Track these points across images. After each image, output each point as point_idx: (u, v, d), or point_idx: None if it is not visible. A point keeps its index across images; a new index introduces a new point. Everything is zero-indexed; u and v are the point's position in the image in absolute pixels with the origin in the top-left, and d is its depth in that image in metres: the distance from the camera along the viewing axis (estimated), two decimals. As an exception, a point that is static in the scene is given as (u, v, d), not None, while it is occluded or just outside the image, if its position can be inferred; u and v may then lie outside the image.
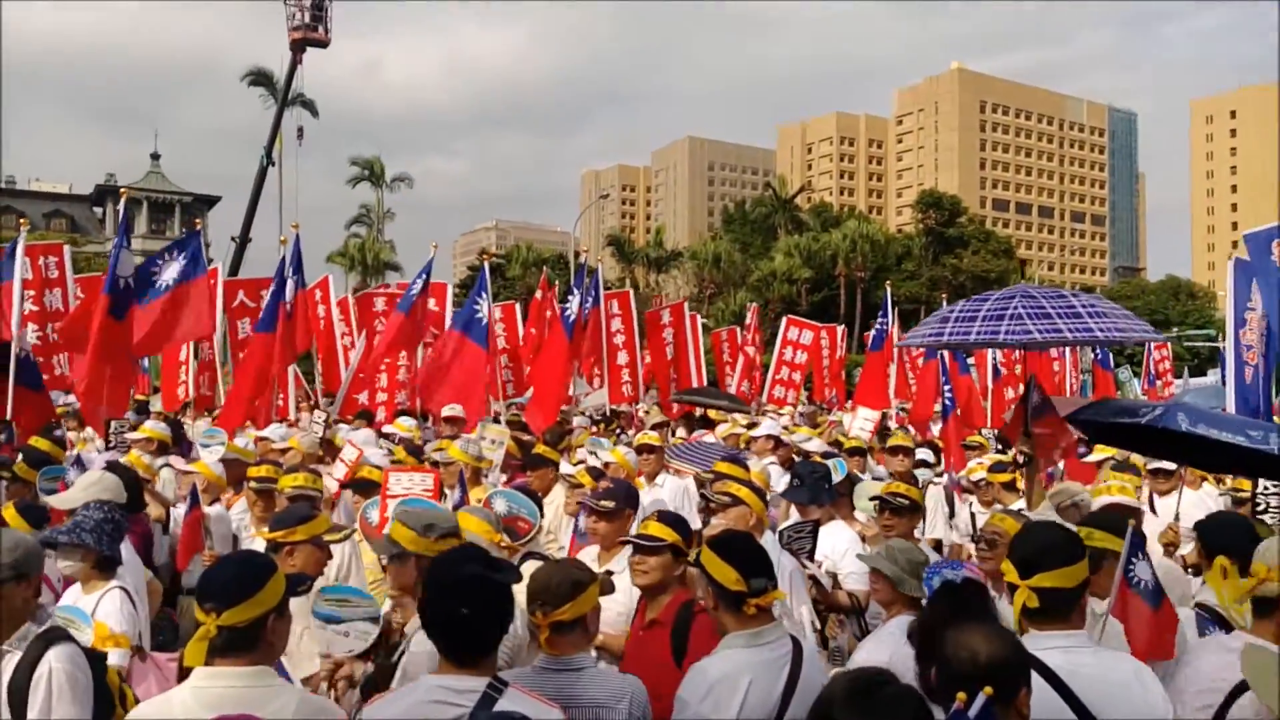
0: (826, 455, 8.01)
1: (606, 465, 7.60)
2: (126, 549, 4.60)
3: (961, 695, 2.16)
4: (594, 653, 3.80)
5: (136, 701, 3.31)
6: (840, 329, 22.34)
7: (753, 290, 66.77)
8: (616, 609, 4.64)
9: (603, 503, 4.99)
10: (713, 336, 19.68)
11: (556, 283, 16.56)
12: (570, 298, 12.12)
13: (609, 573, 4.65)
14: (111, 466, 6.74)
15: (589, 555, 4.99)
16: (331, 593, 4.20)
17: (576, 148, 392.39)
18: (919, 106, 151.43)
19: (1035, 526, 3.56)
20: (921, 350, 13.76)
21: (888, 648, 3.75)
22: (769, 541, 5.05)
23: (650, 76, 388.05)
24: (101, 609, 4.21)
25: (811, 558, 5.48)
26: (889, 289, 15.96)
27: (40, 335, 9.76)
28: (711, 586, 3.45)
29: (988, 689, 2.17)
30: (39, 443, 7.10)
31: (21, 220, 10.76)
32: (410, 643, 3.69)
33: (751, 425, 11.20)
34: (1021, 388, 6.39)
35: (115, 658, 4.03)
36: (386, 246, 64.62)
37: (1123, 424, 5.25)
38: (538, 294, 14.10)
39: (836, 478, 6.43)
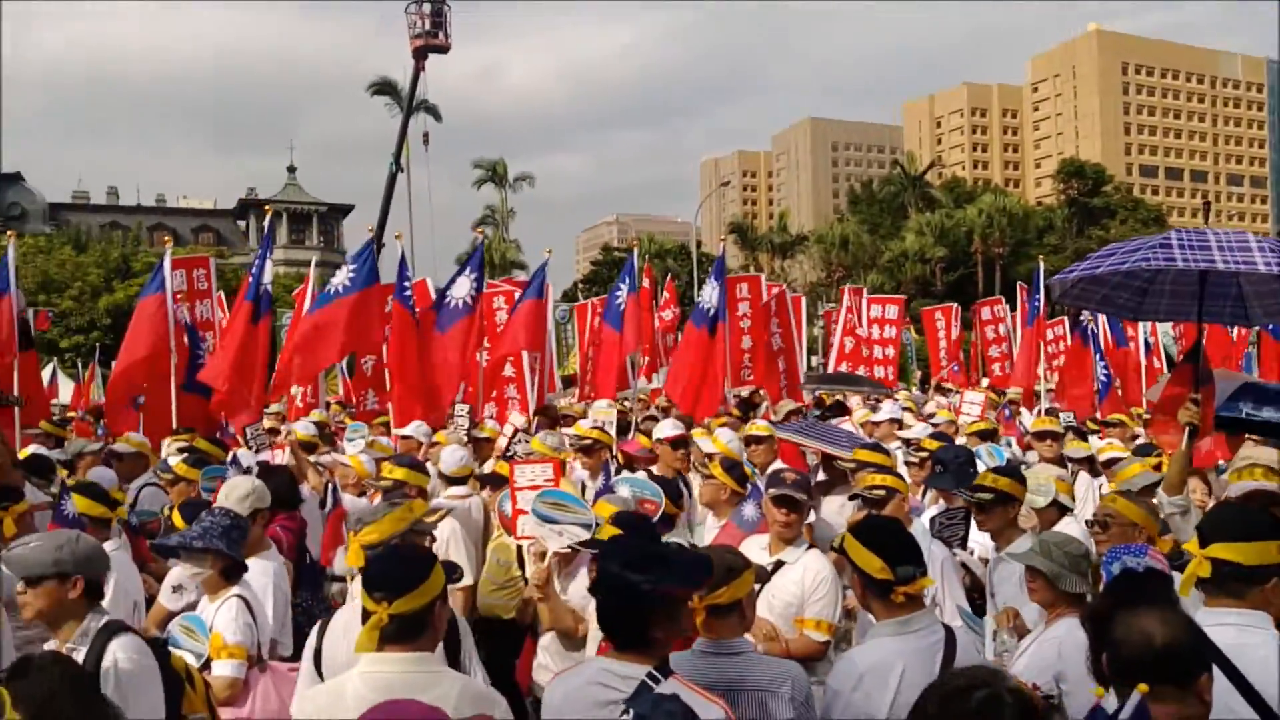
0: (936, 439, 7.70)
1: (711, 456, 7.50)
2: (260, 563, 4.77)
3: (1143, 687, 2.03)
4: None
5: (206, 684, 3.41)
6: (954, 308, 21.69)
7: (883, 272, 65.27)
8: (787, 597, 4.59)
9: (799, 494, 4.82)
10: (824, 316, 19.24)
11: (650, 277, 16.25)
12: (704, 290, 11.97)
13: (780, 563, 4.57)
14: (264, 466, 7.03)
15: (757, 544, 4.90)
16: (549, 496, 4.69)
17: (694, 137, 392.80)
18: (1055, 72, 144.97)
19: (1230, 503, 3.34)
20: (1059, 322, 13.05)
21: (1052, 651, 3.57)
22: (917, 529, 4.88)
23: (767, 61, 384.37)
24: (219, 618, 4.28)
25: (964, 545, 5.26)
26: (1041, 263, 15.02)
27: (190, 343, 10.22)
28: (857, 574, 3.37)
29: (1142, 686, 2.05)
30: (200, 444, 7.47)
31: (166, 239, 11.32)
32: None
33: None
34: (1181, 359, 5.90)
35: (229, 669, 4.15)
36: (512, 245, 65.91)
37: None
38: (644, 283, 13.90)
39: (991, 463, 6.17)
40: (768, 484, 5.02)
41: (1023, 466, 6.53)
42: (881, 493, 5.22)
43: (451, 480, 6.93)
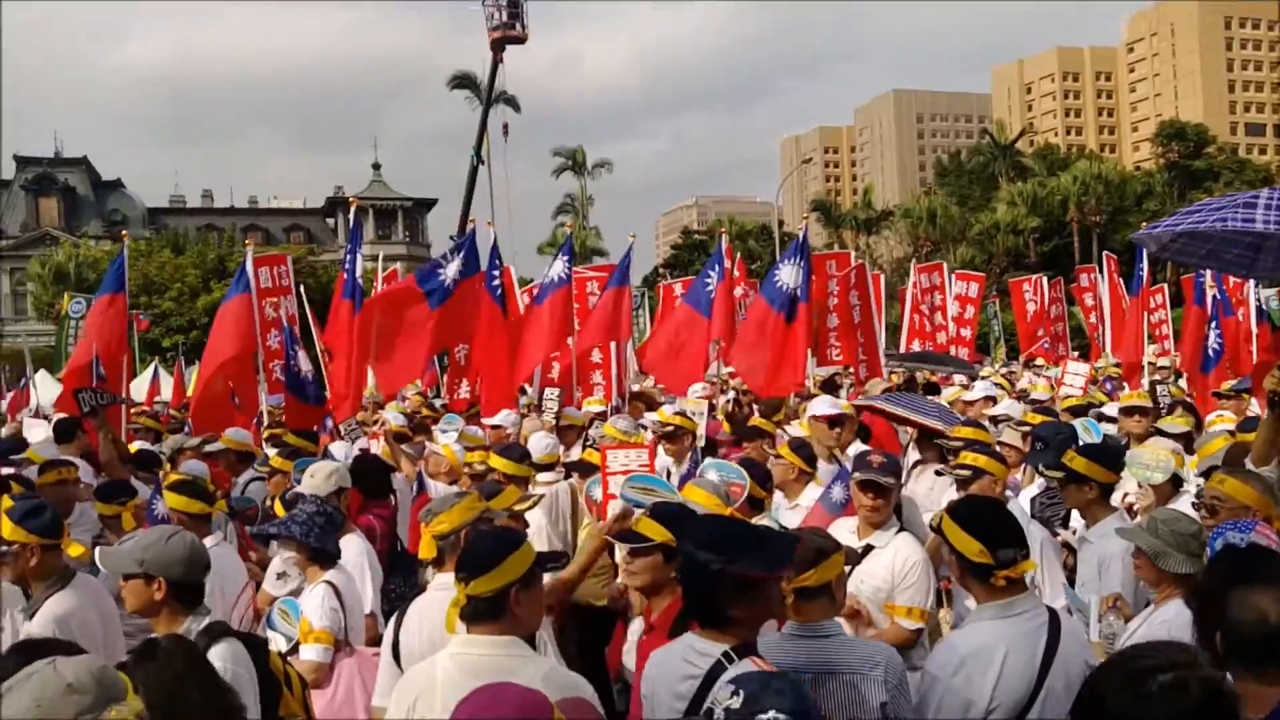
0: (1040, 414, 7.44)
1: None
2: (355, 541, 4.85)
3: None
4: None
5: (303, 684, 3.46)
6: (1041, 279, 20.97)
7: (974, 245, 63.69)
8: (877, 582, 4.51)
9: (886, 479, 4.71)
10: (898, 294, 18.77)
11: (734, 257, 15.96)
12: (780, 268, 11.79)
13: (869, 547, 4.48)
14: (360, 456, 7.20)
15: (846, 527, 4.81)
16: (638, 481, 4.72)
17: (773, 115, 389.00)
18: (1151, 31, 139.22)
19: None
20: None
21: (1162, 633, 3.43)
22: (1015, 509, 4.72)
23: (845, 34, 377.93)
24: (308, 604, 4.40)
25: (1066, 525, 5.08)
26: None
27: (279, 341, 10.51)
28: (955, 558, 3.28)
29: None
30: (290, 438, 7.90)
31: (249, 241, 11.64)
32: None
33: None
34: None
35: (315, 653, 4.24)
36: (592, 232, 66.19)
37: None
38: (726, 263, 13.70)
39: (1090, 439, 5.95)
40: (854, 467, 4.92)
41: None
42: (967, 472, 5.10)
43: (539, 467, 6.97)
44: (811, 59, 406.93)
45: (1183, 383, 12.12)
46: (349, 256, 10.23)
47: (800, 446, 5.99)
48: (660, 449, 7.80)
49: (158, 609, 3.48)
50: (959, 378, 14.35)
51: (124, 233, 11.29)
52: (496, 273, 10.76)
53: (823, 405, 6.92)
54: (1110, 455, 4.94)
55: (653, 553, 3.75)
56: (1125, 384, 12.65)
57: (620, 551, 3.97)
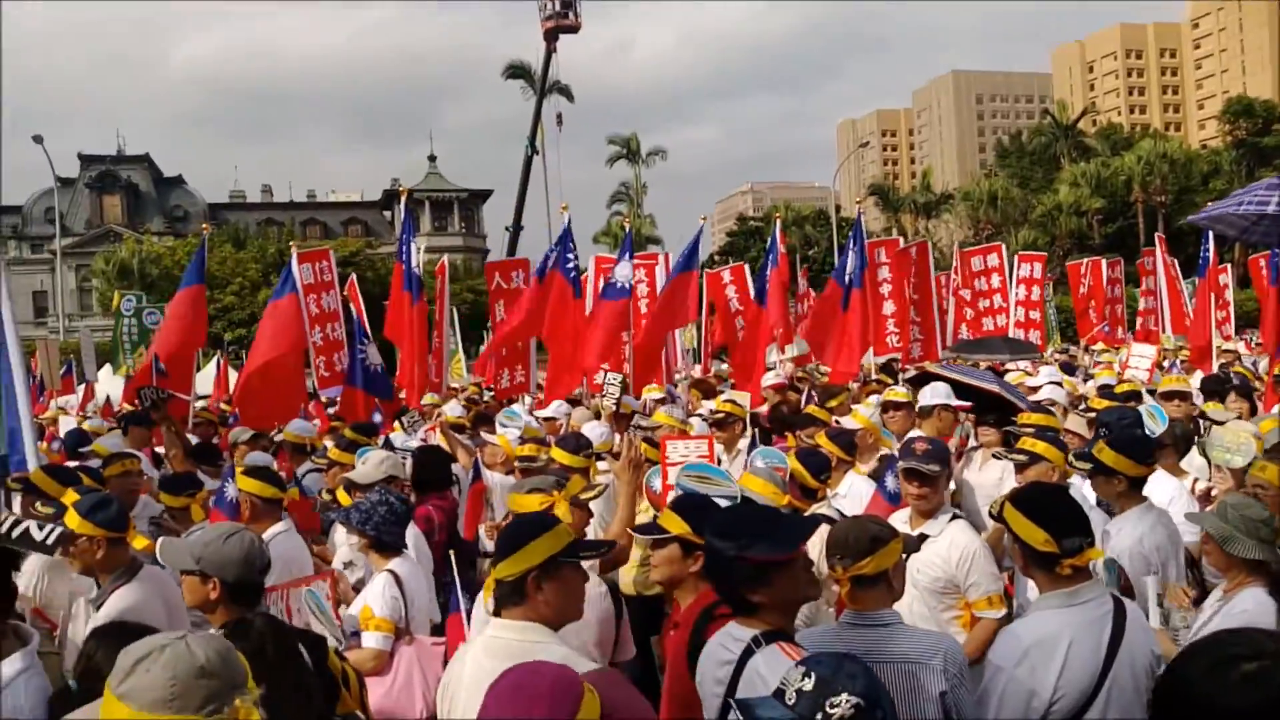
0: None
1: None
2: (412, 532, 4.91)
3: None
4: None
5: (361, 684, 3.46)
6: (1099, 261, 20.47)
7: (1036, 227, 62.51)
8: (934, 572, 4.45)
9: (930, 466, 4.63)
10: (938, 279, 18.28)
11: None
12: (845, 254, 11.67)
13: (923, 536, 4.41)
14: (422, 448, 7.28)
15: (901, 517, 4.75)
16: (694, 470, 4.71)
17: (828, 99, 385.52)
18: (1218, 6, 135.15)
19: None
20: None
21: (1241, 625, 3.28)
22: (1078, 495, 4.61)
23: (901, 15, 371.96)
24: (370, 591, 4.46)
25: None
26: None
27: (323, 335, 10.66)
28: (1019, 546, 3.22)
29: None
30: (347, 432, 8.09)
31: (291, 244, 11.80)
32: None
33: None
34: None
35: (376, 640, 4.28)
36: (647, 221, 66.13)
37: None
38: (781, 248, 13.53)
39: (1155, 426, 5.78)
40: (899, 455, 4.85)
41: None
42: (1023, 458, 5.00)
43: (596, 456, 6.95)
44: (868, 41, 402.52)
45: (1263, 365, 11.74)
46: (403, 248, 10.32)
47: (838, 435, 5.90)
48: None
49: (213, 606, 3.52)
50: (1022, 364, 14.07)
51: (205, 225, 11.54)
52: (571, 255, 10.81)
53: (938, 393, 6.67)
54: (1141, 447, 4.76)
55: (669, 544, 3.69)
56: (1195, 367, 12.30)
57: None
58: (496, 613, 3.02)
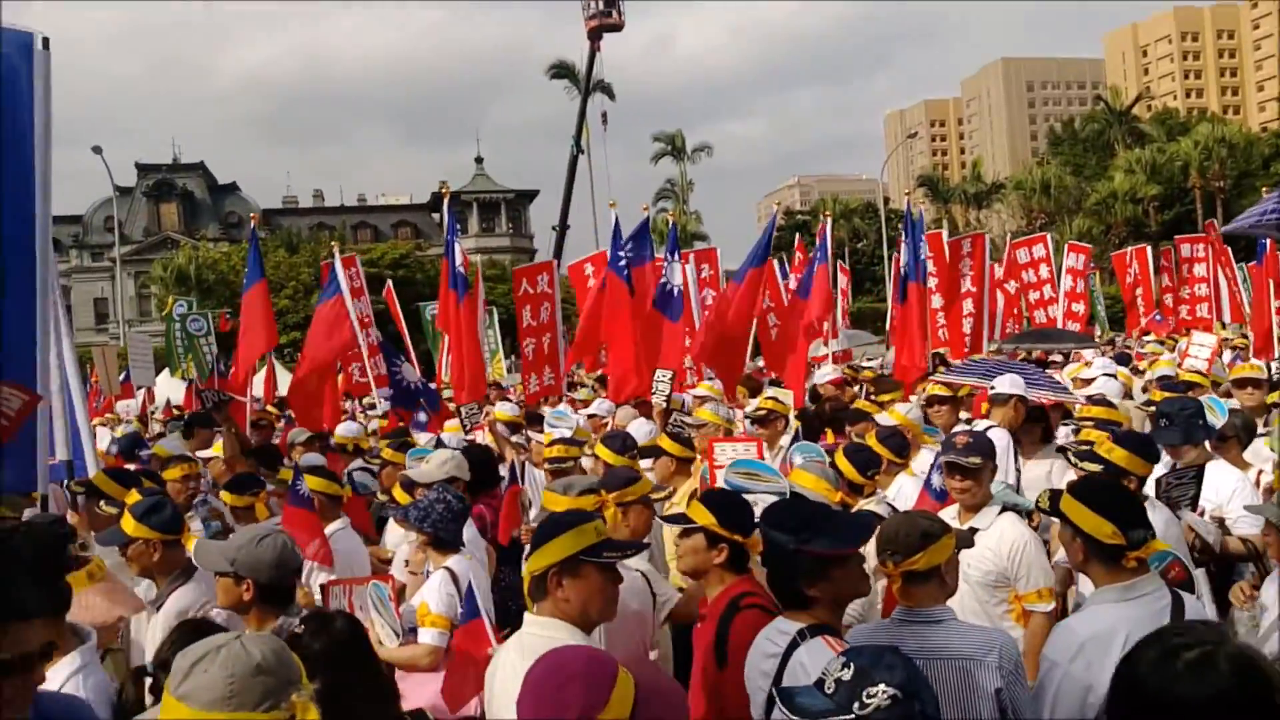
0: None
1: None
2: (470, 530, 4.94)
3: None
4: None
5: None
6: (1145, 249, 20.00)
7: (1090, 215, 61.34)
8: (985, 566, 4.41)
9: (971, 459, 4.59)
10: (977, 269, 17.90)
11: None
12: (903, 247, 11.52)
13: (973, 530, 4.36)
14: (470, 448, 7.35)
15: (949, 514, 4.69)
16: (741, 466, 4.72)
17: (876, 90, 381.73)
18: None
19: None
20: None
21: None
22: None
23: (948, 3, 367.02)
24: (427, 588, 4.48)
25: (1194, 506, 4.84)
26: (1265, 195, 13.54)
27: (373, 338, 10.71)
28: (1080, 539, 3.18)
29: None
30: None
31: (334, 242, 11.91)
32: None
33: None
34: None
35: (432, 637, 4.30)
36: (693, 218, 65.95)
37: None
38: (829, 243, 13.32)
39: (1215, 419, 5.66)
40: (941, 450, 4.81)
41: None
42: (1088, 449, 4.90)
43: (642, 453, 6.96)
44: (915, 31, 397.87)
45: None
46: (449, 247, 10.38)
47: (889, 437, 5.85)
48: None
49: (247, 608, 3.58)
50: (1085, 353, 13.82)
51: (253, 214, 11.76)
52: (623, 254, 10.81)
53: (1016, 385, 6.56)
54: (1151, 446, 4.64)
55: (694, 534, 3.69)
56: (1255, 355, 11.97)
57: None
58: (530, 609, 3.06)
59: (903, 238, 11.42)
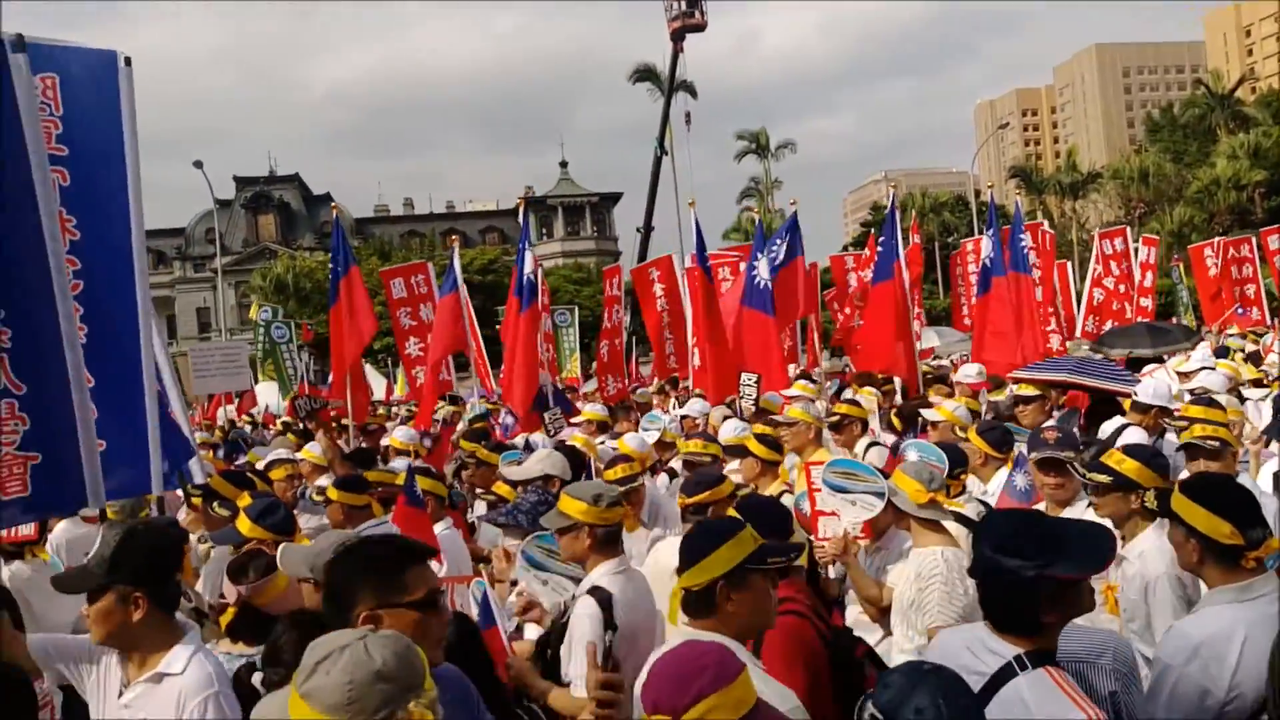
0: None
1: (934, 424, 7.08)
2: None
3: None
4: None
5: None
6: (1224, 241, 19.01)
7: (1191, 204, 59.04)
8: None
9: (1065, 454, 4.54)
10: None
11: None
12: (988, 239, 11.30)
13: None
14: (559, 447, 7.44)
15: None
16: (839, 465, 4.75)
17: (965, 81, 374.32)
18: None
19: None
20: None
21: None
22: (1247, 483, 4.41)
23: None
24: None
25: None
26: None
27: (422, 347, 10.90)
28: (1195, 539, 3.07)
29: None
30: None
31: (453, 238, 12.12)
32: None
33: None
34: None
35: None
36: (777, 216, 65.49)
37: None
38: (914, 239, 13.09)
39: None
40: (1029, 447, 4.77)
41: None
42: (1215, 444, 4.84)
43: (730, 452, 6.93)
44: (1004, 19, 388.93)
45: None
46: (520, 255, 10.50)
47: (988, 430, 5.77)
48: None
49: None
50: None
51: (453, 238, 11.98)
52: (707, 254, 10.92)
53: (1159, 395, 6.57)
54: (1158, 458, 4.31)
55: None
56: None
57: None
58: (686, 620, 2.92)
59: (988, 230, 11.22)
